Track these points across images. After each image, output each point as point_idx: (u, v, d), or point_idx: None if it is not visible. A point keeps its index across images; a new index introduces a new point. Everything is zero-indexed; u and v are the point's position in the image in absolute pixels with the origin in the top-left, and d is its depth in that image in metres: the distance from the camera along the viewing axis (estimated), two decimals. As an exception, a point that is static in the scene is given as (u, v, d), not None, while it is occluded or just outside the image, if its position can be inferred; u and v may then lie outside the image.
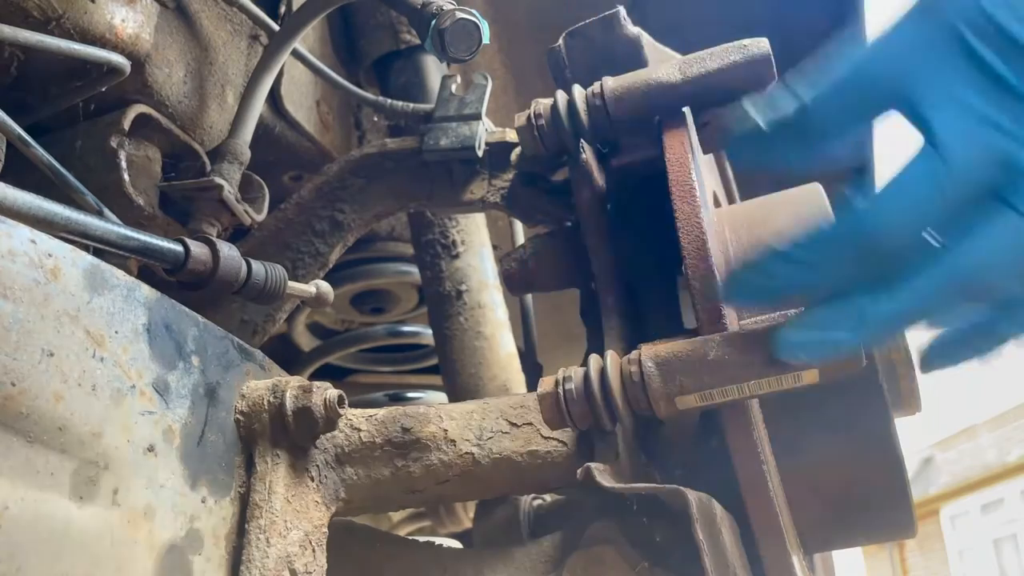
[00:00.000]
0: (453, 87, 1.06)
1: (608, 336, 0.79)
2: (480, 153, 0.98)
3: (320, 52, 1.31)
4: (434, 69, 1.36)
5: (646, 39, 0.89)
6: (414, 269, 1.56)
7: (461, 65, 1.18)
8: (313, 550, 0.74)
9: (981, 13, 0.51)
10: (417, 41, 1.35)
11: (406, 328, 1.78)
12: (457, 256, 1.36)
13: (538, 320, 1.41)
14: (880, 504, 0.80)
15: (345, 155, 1.05)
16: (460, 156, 0.98)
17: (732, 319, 0.71)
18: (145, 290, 0.66)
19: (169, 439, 0.66)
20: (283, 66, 1.09)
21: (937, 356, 0.60)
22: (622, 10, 0.89)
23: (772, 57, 0.79)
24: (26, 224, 0.58)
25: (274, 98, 1.16)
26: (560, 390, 0.70)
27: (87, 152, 0.92)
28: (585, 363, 0.72)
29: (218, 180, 0.95)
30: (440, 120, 1.02)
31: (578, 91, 0.85)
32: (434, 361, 1.74)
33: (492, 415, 0.82)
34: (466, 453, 0.80)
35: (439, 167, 1.01)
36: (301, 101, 1.23)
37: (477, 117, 1.01)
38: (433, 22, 0.95)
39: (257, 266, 0.85)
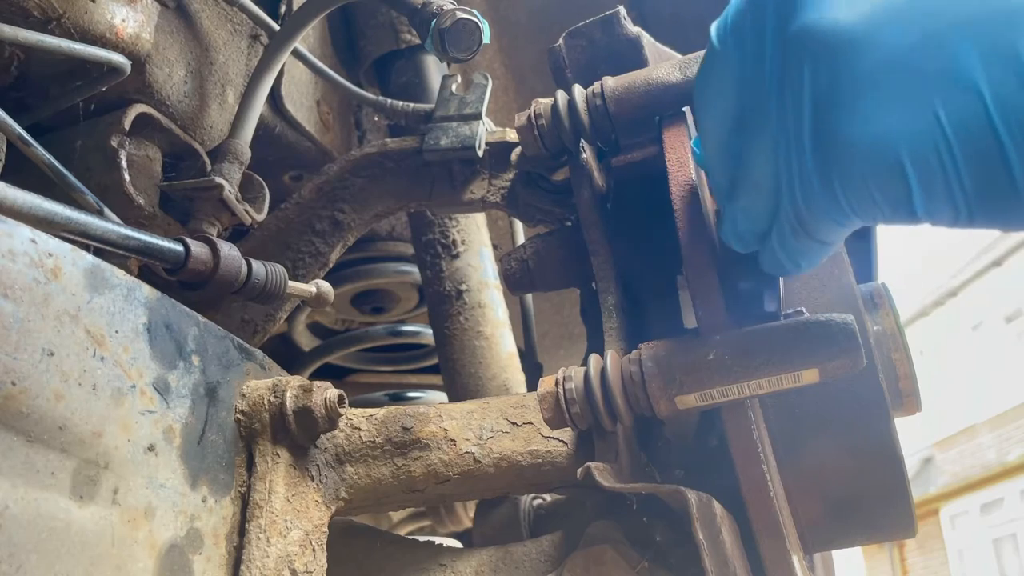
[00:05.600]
0: (453, 87, 1.05)
1: (608, 336, 0.79)
2: (480, 153, 0.98)
3: (320, 52, 1.30)
4: (434, 69, 1.36)
5: (646, 39, 0.89)
6: (414, 269, 1.56)
7: (461, 65, 1.18)
8: (313, 549, 0.74)
9: None
10: (417, 41, 1.35)
11: (406, 328, 1.78)
12: (457, 256, 1.36)
13: (538, 320, 1.41)
14: (880, 504, 0.80)
15: (345, 155, 1.05)
16: (460, 156, 0.98)
17: (732, 319, 0.71)
18: (145, 290, 0.66)
19: (169, 438, 0.66)
20: (283, 66, 1.09)
21: None
22: (622, 10, 0.89)
23: (772, 57, 0.79)
24: (26, 224, 0.57)
25: (274, 98, 1.16)
26: (560, 390, 0.70)
27: (87, 152, 0.92)
28: (585, 363, 0.72)
29: (218, 180, 0.95)
30: (440, 120, 1.02)
31: (578, 91, 0.85)
32: (434, 361, 1.75)
33: (492, 415, 0.82)
34: (466, 452, 0.80)
35: (439, 167, 1.01)
36: (301, 101, 1.23)
37: (477, 117, 1.01)
38: (433, 22, 0.95)
39: (257, 266, 0.85)
